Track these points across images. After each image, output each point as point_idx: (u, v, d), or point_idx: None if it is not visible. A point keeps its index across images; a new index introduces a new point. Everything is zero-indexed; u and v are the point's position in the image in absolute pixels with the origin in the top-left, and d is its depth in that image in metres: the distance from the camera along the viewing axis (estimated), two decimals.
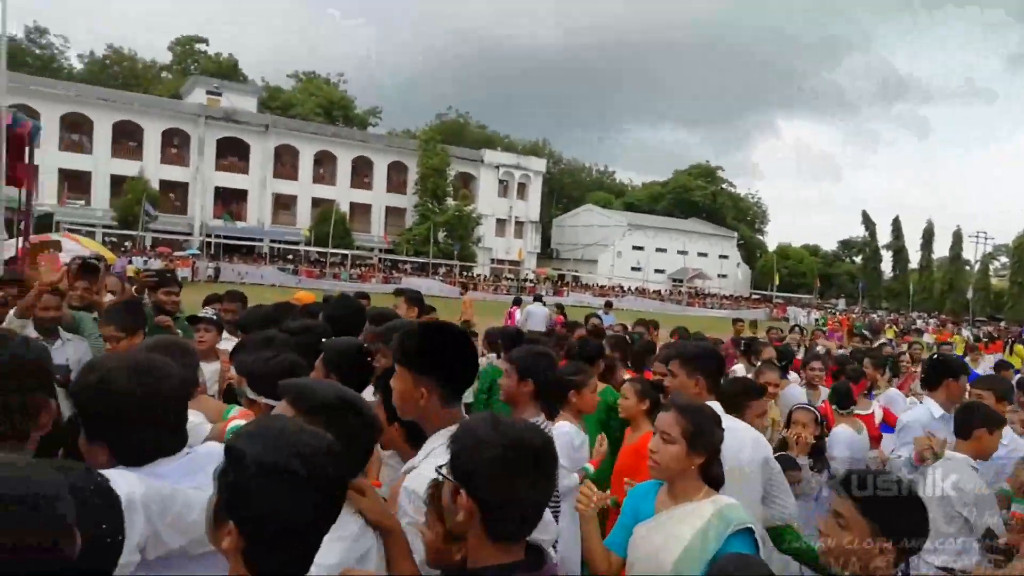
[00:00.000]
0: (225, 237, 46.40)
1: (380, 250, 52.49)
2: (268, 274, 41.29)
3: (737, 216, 78.19)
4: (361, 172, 55.71)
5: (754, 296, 65.05)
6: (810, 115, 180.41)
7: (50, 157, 38.88)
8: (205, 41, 66.86)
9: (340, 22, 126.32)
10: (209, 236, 45.99)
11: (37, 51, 60.36)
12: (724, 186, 79.21)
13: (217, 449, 1.86)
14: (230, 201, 50.51)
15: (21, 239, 9.17)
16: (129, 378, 1.62)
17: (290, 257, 49.48)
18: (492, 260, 58.32)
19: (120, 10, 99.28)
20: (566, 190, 77.40)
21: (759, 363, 5.94)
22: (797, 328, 14.06)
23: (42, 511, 0.88)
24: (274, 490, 1.21)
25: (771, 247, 77.71)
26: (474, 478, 1.45)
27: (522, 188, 61.21)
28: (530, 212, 61.64)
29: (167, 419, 1.67)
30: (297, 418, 1.57)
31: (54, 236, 13.82)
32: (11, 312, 3.72)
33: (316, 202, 52.56)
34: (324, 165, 54.57)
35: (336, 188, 53.70)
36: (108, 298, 4.52)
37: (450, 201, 54.50)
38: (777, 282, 59.18)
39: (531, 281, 53.51)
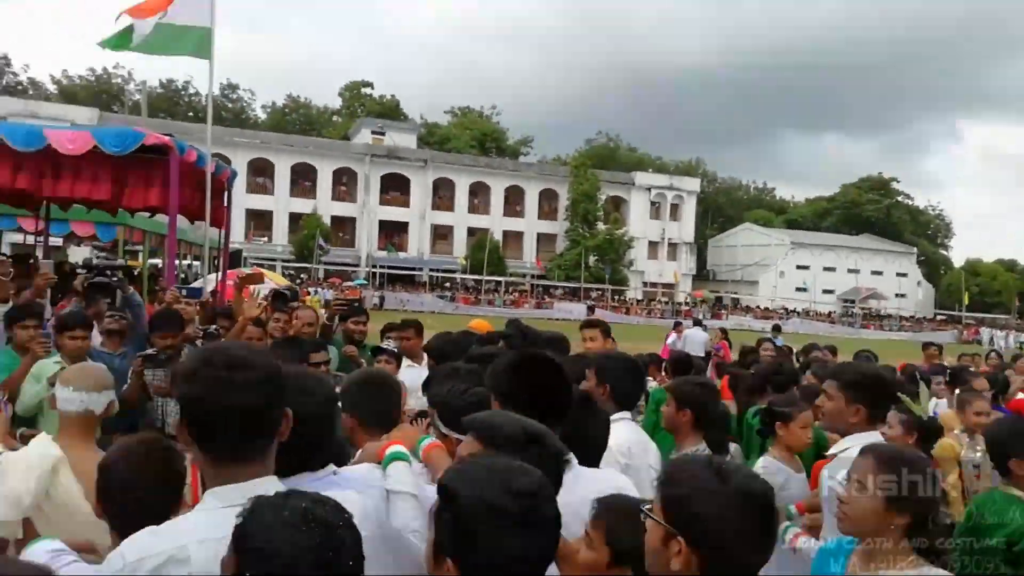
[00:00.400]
0: (388, 267, 49.14)
1: (532, 276, 53.33)
2: (428, 302, 43.16)
3: (916, 231, 71.84)
4: (513, 200, 57.10)
5: (939, 317, 59.14)
6: (997, 117, 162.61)
7: (239, 199, 43.23)
8: (370, 85, 71.93)
9: (493, 57, 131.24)
10: (374, 267, 48.92)
11: (229, 104, 67.71)
12: (900, 198, 73.15)
13: (365, 472, 1.87)
14: (393, 233, 53.53)
15: (220, 274, 10.17)
16: None
17: (447, 285, 51.43)
18: (645, 283, 57.38)
19: (298, 63, 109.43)
20: (722, 209, 74.85)
21: (959, 392, 5.28)
22: (994, 353, 12.47)
23: None
24: (488, 528, 1.22)
25: (957, 263, 70.62)
26: (697, 529, 1.36)
27: (675, 209, 59.92)
28: (684, 233, 60.12)
29: (311, 435, 1.71)
30: (485, 452, 1.58)
31: (245, 271, 15.20)
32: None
33: (471, 231, 54.45)
34: (478, 195, 56.51)
35: (490, 217, 55.35)
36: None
37: (601, 225, 54.41)
38: (966, 301, 53.45)
39: (687, 304, 52.00)
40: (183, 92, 66.07)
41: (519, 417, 1.84)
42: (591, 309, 17.43)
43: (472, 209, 55.97)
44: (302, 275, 43.54)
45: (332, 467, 1.81)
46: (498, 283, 49.70)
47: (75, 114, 43.08)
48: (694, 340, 13.81)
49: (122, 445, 1.92)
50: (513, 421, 1.75)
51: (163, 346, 4.13)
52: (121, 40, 7.34)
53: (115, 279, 4.58)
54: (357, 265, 50.52)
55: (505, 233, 55.45)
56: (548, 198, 57.66)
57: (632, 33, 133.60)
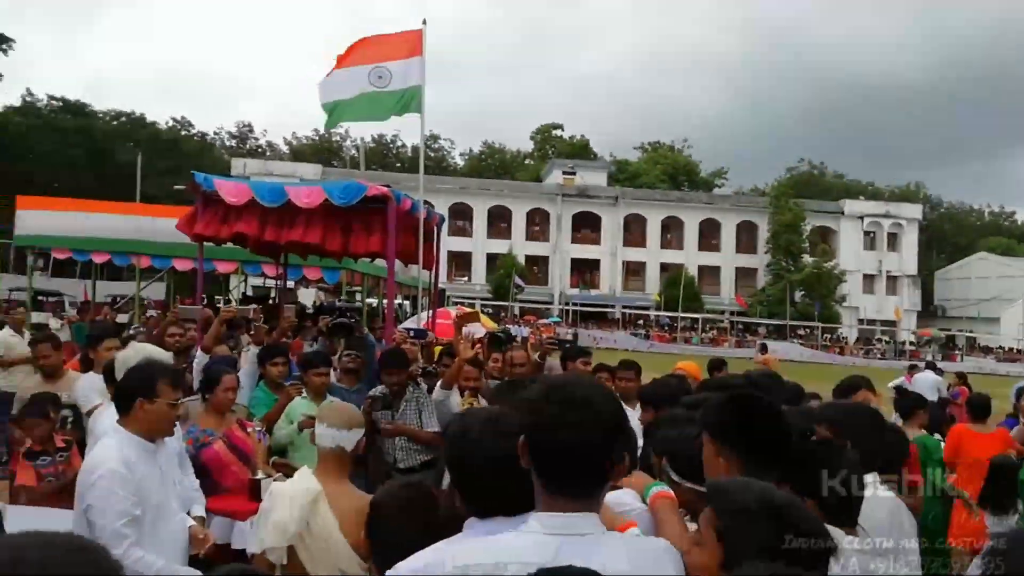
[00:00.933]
0: (581, 304, 49.61)
1: (731, 312, 51.05)
2: (621, 339, 42.78)
3: None
4: (708, 234, 55.41)
5: None
6: None
7: (442, 241, 45.96)
8: (561, 127, 73.92)
9: (683, 90, 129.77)
10: (567, 304, 49.61)
11: (432, 153, 72.94)
12: None
13: None
14: (584, 271, 54.13)
15: (429, 313, 10.78)
16: (481, 431, 1.67)
17: (640, 322, 50.76)
18: (860, 320, 52.58)
19: (492, 110, 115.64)
20: (949, 237, 67.20)
21: None
22: None
23: None
24: None
25: None
26: None
27: (893, 239, 54.65)
28: (904, 265, 54.51)
29: (509, 475, 1.61)
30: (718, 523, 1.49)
31: (450, 310, 16.03)
32: (439, 384, 4.24)
33: (664, 267, 53.51)
34: (671, 230, 55.53)
35: (683, 252, 54.10)
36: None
37: (807, 258, 50.94)
38: None
39: (913, 344, 46.82)
40: (392, 145, 72.29)
41: (763, 485, 1.68)
42: (763, 348, 15.84)
43: (665, 244, 55.08)
44: (499, 313, 45.18)
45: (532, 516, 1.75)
46: (694, 320, 48.15)
47: (302, 171, 48.74)
48: (924, 383, 12.28)
49: (390, 489, 2.05)
50: (750, 490, 1.59)
51: (390, 383, 4.41)
52: (338, 112, 8.10)
53: (353, 320, 5.02)
54: (550, 303, 51.51)
55: (700, 268, 53.82)
56: (746, 231, 55.28)
57: (827, 53, 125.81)
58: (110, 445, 2.70)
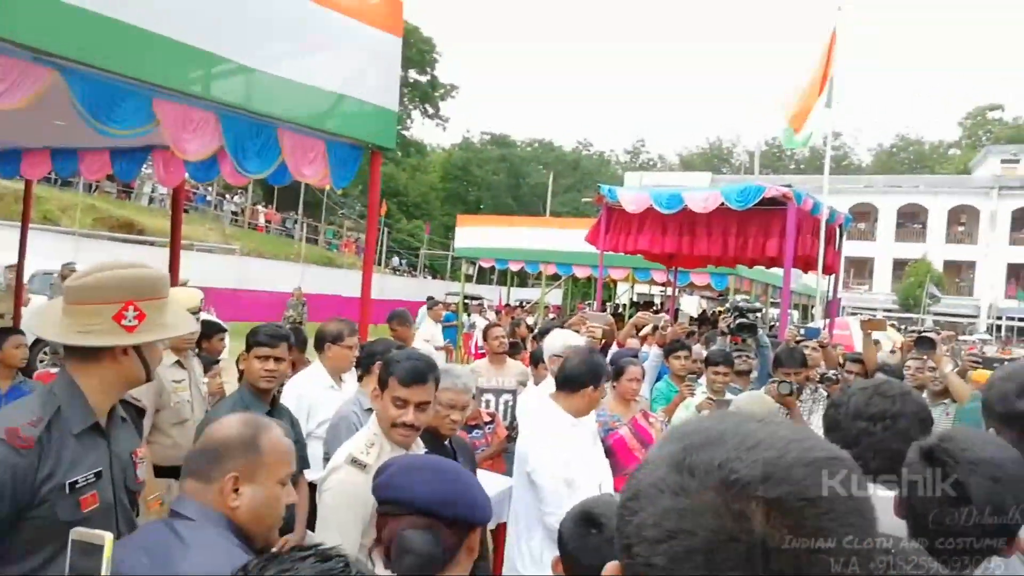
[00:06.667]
0: (1019, 319, 40.99)
1: None
2: None
3: None
4: None
5: None
6: None
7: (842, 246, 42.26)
8: (1000, 108, 62.14)
9: None
10: (999, 318, 41.44)
11: (832, 152, 67.80)
12: None
13: None
14: None
15: (825, 322, 10.04)
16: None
17: None
18: None
19: (909, 99, 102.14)
20: None
21: None
22: None
23: None
24: None
25: None
26: None
27: None
28: None
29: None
30: None
31: (848, 320, 14.70)
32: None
33: None
34: None
35: None
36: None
37: None
38: None
39: None
40: (783, 147, 68.98)
41: None
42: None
43: None
44: (904, 326, 39.78)
45: None
46: None
47: (691, 180, 49.20)
48: None
49: None
50: None
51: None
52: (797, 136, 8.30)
53: (755, 320, 5.01)
54: (975, 316, 43.61)
55: None
56: None
57: None
58: (541, 417, 3.13)
